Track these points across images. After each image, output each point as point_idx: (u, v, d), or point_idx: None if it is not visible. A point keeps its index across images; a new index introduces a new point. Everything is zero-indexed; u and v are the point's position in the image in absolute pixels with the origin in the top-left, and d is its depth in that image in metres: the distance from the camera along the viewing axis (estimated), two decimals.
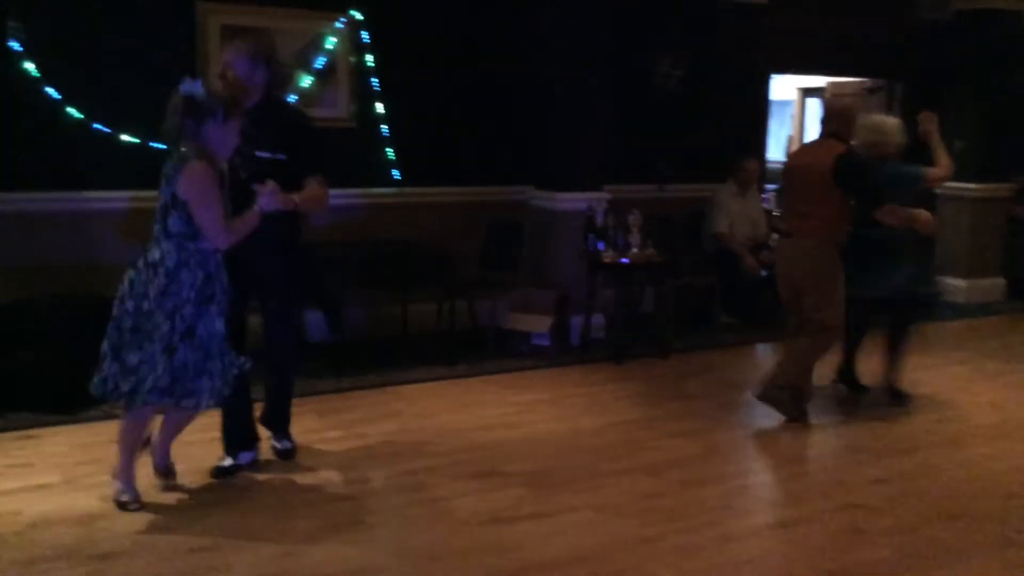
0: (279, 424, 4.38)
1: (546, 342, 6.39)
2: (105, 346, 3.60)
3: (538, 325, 6.38)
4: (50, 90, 5.53)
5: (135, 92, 5.60)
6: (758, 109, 8.25)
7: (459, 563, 3.34)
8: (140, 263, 3.57)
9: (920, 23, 8.76)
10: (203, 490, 3.96)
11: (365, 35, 6.39)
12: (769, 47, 7.99)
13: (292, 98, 6.04)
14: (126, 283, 3.58)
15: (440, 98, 6.72)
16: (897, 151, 5.25)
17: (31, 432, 4.59)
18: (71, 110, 5.59)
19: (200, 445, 4.24)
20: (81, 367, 3.81)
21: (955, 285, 8.37)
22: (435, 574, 3.28)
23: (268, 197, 3.67)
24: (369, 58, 6.42)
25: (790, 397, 5.00)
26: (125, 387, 3.58)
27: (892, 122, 5.35)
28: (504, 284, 6.46)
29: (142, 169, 5.71)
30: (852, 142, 5.03)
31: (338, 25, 6.31)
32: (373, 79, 6.44)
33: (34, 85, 5.48)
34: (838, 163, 4.80)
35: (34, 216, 5.57)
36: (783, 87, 11.04)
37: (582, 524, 3.68)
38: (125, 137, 5.71)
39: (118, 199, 5.77)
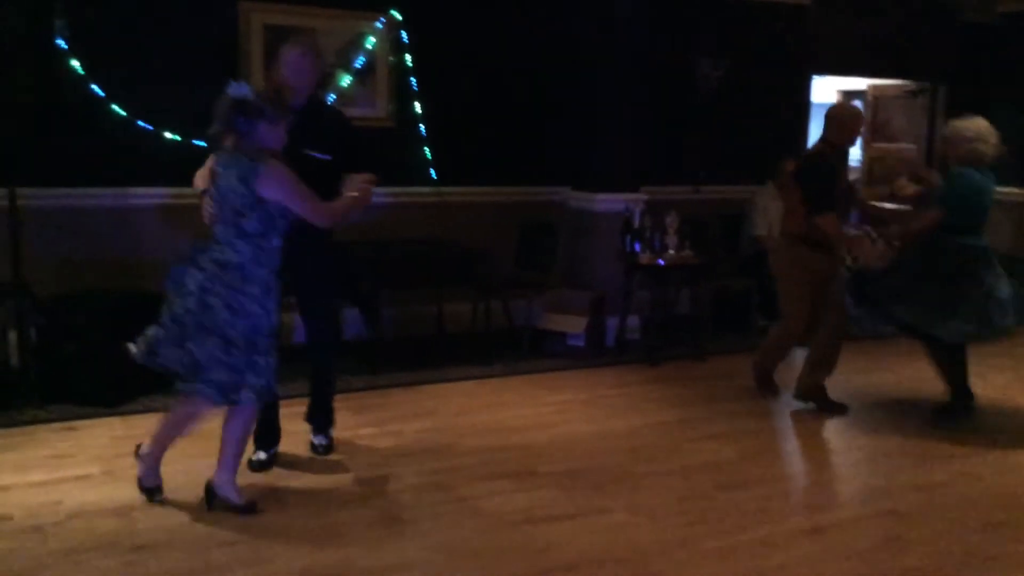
0: (322, 421, 4.42)
1: (581, 343, 6.38)
2: (158, 332, 3.58)
3: (573, 326, 6.37)
4: (95, 87, 5.62)
5: (177, 90, 5.67)
6: (799, 111, 8.16)
7: (491, 562, 3.35)
8: (205, 262, 3.54)
9: (964, 25, 8.62)
10: (243, 484, 3.99)
11: (404, 35, 6.42)
12: (810, 48, 7.91)
13: (331, 98, 6.10)
14: (189, 283, 3.52)
15: (478, 98, 6.73)
16: (992, 159, 4.90)
17: (73, 424, 4.68)
18: (115, 107, 5.68)
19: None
20: (123, 361, 3.86)
21: None
22: (467, 572, 3.28)
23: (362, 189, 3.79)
24: (408, 58, 6.45)
25: (820, 394, 5.20)
26: (186, 375, 3.58)
27: (987, 127, 4.90)
28: (539, 284, 6.46)
29: (184, 166, 5.84)
30: (847, 145, 5.18)
31: (377, 25, 6.36)
32: (411, 79, 6.48)
33: (80, 82, 5.58)
34: (800, 163, 5.13)
35: (80, 211, 5.67)
36: (824, 89, 10.92)
37: (615, 526, 3.67)
38: (167, 135, 5.79)
39: (160, 195, 5.86)
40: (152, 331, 3.62)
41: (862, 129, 5.44)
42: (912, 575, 3.33)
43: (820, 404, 5.18)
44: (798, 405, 5.23)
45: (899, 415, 5.17)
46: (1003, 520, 3.81)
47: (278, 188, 3.50)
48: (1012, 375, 6.06)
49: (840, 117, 5.08)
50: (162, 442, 3.78)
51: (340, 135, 4.14)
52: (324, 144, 4.01)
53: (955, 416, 5.06)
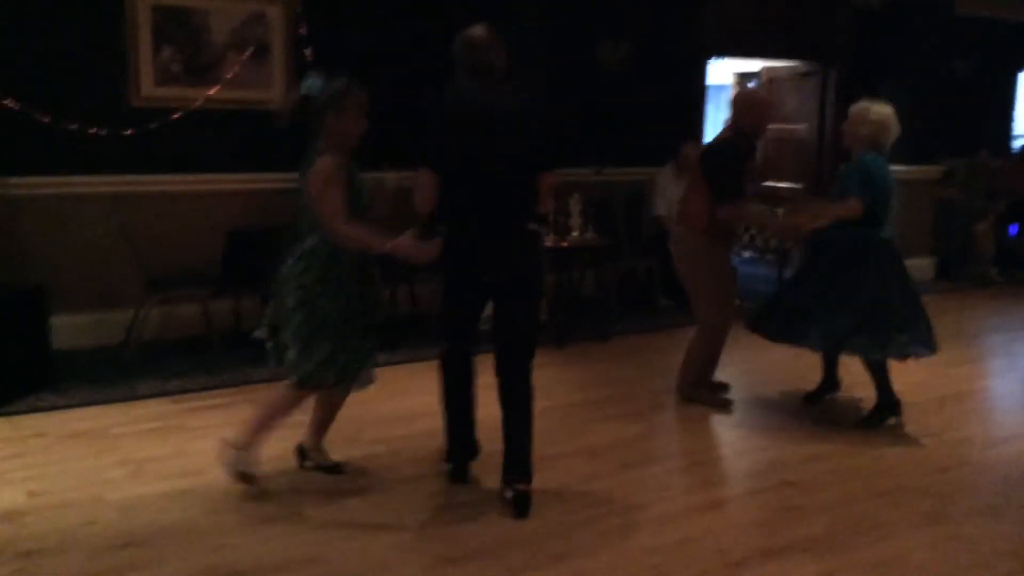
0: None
1: (487, 326, 6.36)
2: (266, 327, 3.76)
3: None
4: None
5: (61, 75, 5.44)
6: (696, 93, 8.30)
7: (396, 553, 3.33)
8: (299, 250, 3.64)
9: (853, 8, 8.90)
10: (138, 485, 3.87)
11: (302, 14, 6.27)
12: (707, 32, 8.05)
13: None
14: (285, 271, 3.66)
15: (378, 82, 6.60)
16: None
17: None
18: None
19: (133, 438, 4.15)
20: (5, 360, 3.70)
21: None
22: (376, 562, 3.25)
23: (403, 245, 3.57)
24: (306, 38, 6.30)
25: (708, 391, 5.09)
26: (291, 362, 3.66)
27: (891, 113, 4.68)
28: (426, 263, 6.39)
29: (66, 153, 5.63)
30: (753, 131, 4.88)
31: (274, 4, 6.19)
32: (309, 60, 6.33)
33: None
34: (705, 149, 4.89)
35: None
36: (720, 72, 11.13)
37: None
38: (41, 118, 5.55)
39: (48, 184, 5.63)
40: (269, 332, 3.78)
41: (771, 115, 5.15)
42: (811, 543, 3.44)
43: (705, 400, 5.05)
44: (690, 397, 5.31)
45: (790, 392, 5.31)
46: (891, 487, 3.97)
47: (313, 184, 3.54)
48: None
49: (746, 103, 4.96)
50: (266, 428, 3.79)
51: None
52: None
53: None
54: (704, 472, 4.28)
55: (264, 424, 3.75)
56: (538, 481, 3.90)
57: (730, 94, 11.69)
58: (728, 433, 4.76)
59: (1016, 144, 10.30)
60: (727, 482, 4.12)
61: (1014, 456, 4.38)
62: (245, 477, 3.75)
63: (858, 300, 4.52)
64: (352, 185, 3.61)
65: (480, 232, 3.62)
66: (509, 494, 3.63)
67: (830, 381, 5.08)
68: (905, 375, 4.93)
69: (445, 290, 3.79)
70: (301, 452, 4.04)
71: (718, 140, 4.95)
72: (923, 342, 4.56)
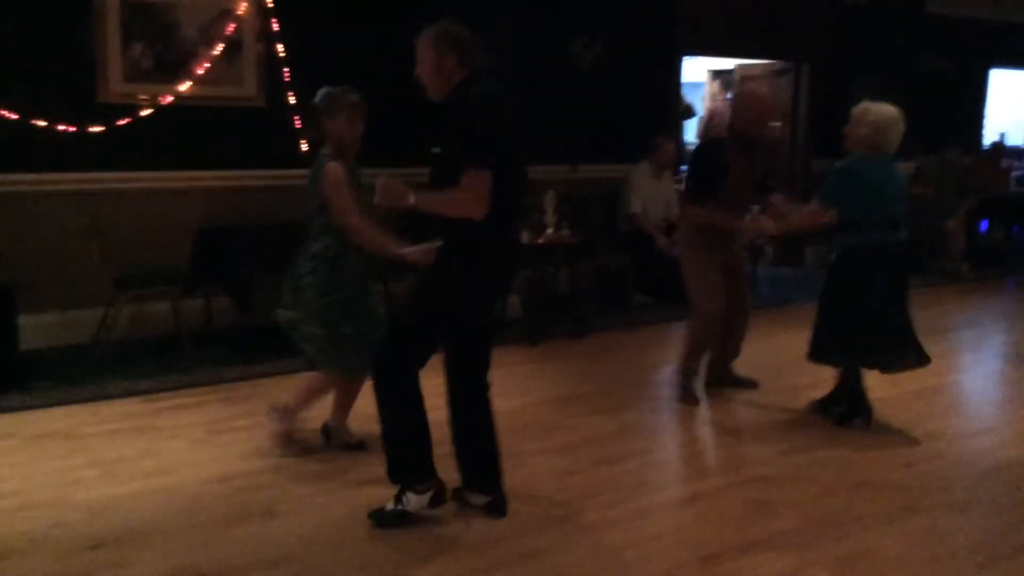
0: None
1: None
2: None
3: None
4: None
5: (28, 72, 5.38)
6: (670, 91, 8.33)
7: (370, 550, 3.30)
8: (308, 252, 3.91)
9: (826, 6, 8.96)
10: (107, 486, 3.82)
11: (272, 10, 6.22)
12: (681, 29, 8.07)
13: None
14: (299, 271, 3.93)
15: (350, 79, 6.57)
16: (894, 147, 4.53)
17: None
18: None
19: (103, 438, 4.09)
20: None
21: None
22: (347, 561, 3.23)
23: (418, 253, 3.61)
24: (278, 34, 6.25)
25: (685, 381, 5.09)
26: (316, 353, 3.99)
27: (894, 115, 4.48)
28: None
29: (39, 152, 5.55)
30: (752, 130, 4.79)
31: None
32: (282, 56, 6.28)
33: None
34: (694, 150, 5.00)
35: None
36: (694, 69, 11.18)
37: None
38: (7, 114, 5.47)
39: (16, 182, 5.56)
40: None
41: (769, 113, 4.94)
42: (783, 537, 3.45)
43: (680, 390, 5.07)
44: (672, 380, 5.31)
45: (762, 388, 5.29)
46: (863, 481, 4.00)
47: (324, 188, 3.80)
48: None
49: (742, 101, 4.85)
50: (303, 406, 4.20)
51: (449, 122, 3.37)
52: (440, 138, 3.40)
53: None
54: (677, 468, 4.29)
55: (303, 402, 4.14)
56: (513, 477, 3.89)
57: (706, 92, 11.78)
58: (701, 429, 4.77)
59: (986, 141, 10.42)
60: (700, 477, 4.13)
61: (984, 450, 4.43)
62: (285, 438, 4.13)
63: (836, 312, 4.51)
64: (358, 186, 3.88)
65: (516, 236, 3.61)
66: (486, 499, 3.59)
67: (843, 395, 4.74)
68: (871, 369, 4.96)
69: (462, 297, 3.38)
70: (326, 431, 4.24)
71: (707, 140, 4.94)
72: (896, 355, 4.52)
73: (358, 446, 4.17)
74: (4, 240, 5.54)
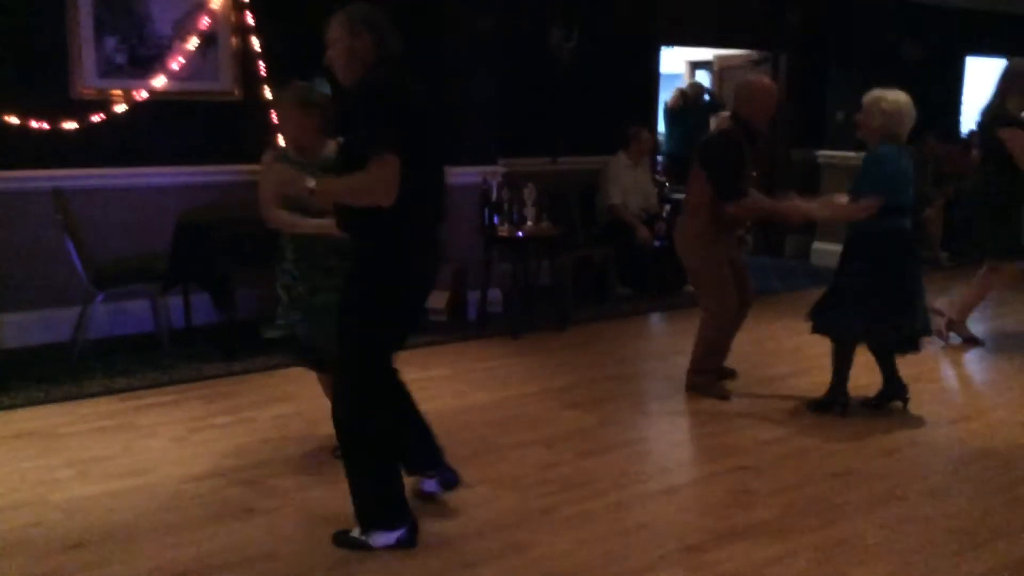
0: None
1: (443, 318, 6.35)
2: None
3: (434, 301, 6.29)
4: None
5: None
6: (648, 81, 8.32)
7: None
8: (291, 245, 3.86)
9: None
10: (85, 485, 3.78)
11: (247, 4, 6.16)
12: (659, 19, 8.07)
13: None
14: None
15: (324, 70, 6.53)
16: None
17: None
18: None
19: (80, 437, 4.04)
20: None
21: (837, 251, 8.61)
22: (323, 560, 3.21)
23: None
24: (253, 27, 6.20)
25: (707, 380, 5.00)
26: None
27: (907, 101, 4.51)
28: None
29: (12, 148, 5.48)
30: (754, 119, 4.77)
31: None
32: (258, 50, 6.23)
33: None
34: (704, 143, 4.79)
35: None
36: (673, 60, 11.19)
37: (479, 499, 3.66)
38: None
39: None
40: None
41: (773, 104, 4.85)
42: (765, 526, 3.46)
43: (707, 390, 4.97)
44: (655, 371, 5.33)
45: (744, 377, 5.32)
46: (844, 469, 4.01)
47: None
48: None
49: (746, 91, 4.79)
50: None
51: (357, 106, 3.14)
52: (346, 125, 3.24)
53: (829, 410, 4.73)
54: (660, 458, 4.30)
55: None
56: (496, 470, 3.90)
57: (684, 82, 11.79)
58: (683, 419, 4.78)
59: (963, 130, 10.47)
60: (683, 468, 4.14)
61: (964, 436, 4.46)
62: None
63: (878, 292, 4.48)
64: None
65: (437, 239, 3.36)
66: (437, 478, 3.57)
67: (893, 385, 4.79)
68: (859, 358, 4.97)
69: (395, 299, 3.19)
70: None
71: (716, 132, 4.78)
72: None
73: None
74: None
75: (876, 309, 4.49)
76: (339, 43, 3.17)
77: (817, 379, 5.00)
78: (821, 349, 5.53)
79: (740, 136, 4.76)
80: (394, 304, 3.19)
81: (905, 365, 4.81)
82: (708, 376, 5.00)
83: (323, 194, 3.16)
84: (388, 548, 3.21)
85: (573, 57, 7.60)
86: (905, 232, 4.52)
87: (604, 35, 7.72)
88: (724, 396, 4.94)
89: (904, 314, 4.52)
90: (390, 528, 3.23)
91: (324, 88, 3.78)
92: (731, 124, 4.86)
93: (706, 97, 9.76)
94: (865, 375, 4.87)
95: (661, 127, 9.41)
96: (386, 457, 3.26)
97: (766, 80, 5.01)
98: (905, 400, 4.77)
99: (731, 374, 5.25)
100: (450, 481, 3.60)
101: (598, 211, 7.46)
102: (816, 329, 4.70)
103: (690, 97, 9.66)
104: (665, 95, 9.46)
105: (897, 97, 4.47)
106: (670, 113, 9.63)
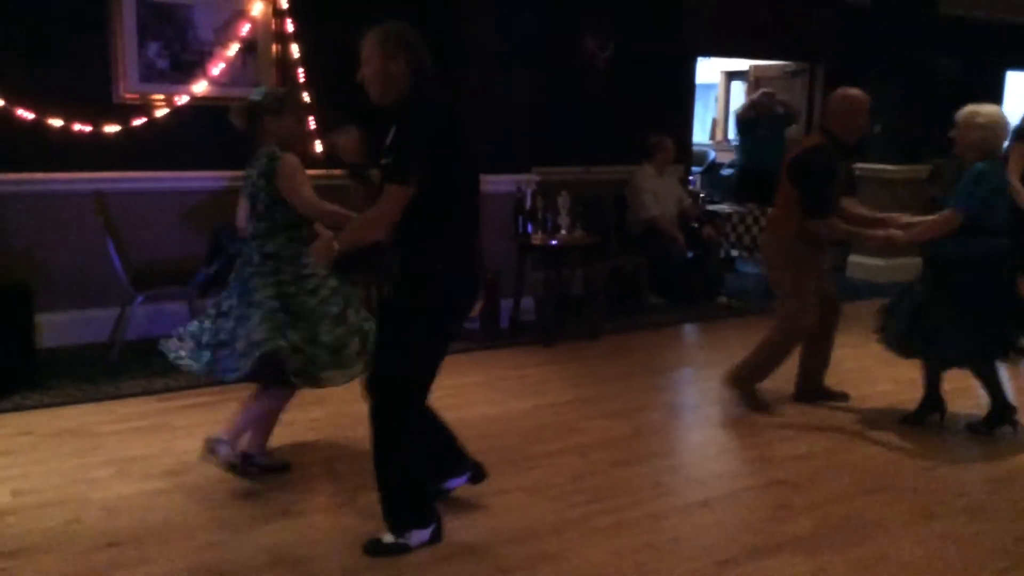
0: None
1: (476, 325, 6.36)
2: (207, 337, 3.81)
3: None
4: None
5: (44, 71, 5.40)
6: (683, 91, 8.31)
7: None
8: (255, 258, 3.74)
9: (841, 6, 8.92)
10: (122, 484, 3.83)
11: (287, 11, 6.23)
12: (694, 30, 8.06)
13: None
14: (235, 278, 3.81)
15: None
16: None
17: None
18: None
19: (118, 436, 4.09)
20: None
21: (873, 265, 8.57)
22: (359, 563, 3.22)
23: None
24: (293, 34, 6.26)
25: (749, 388, 4.94)
26: (247, 365, 3.64)
27: (999, 114, 4.46)
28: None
29: (55, 151, 5.57)
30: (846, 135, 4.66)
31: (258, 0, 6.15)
32: (298, 57, 6.29)
33: None
34: (794, 158, 4.69)
35: None
36: (708, 70, 11.15)
37: (512, 506, 3.67)
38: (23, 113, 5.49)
39: (32, 181, 5.59)
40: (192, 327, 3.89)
41: (862, 117, 4.72)
42: (800, 541, 3.43)
43: (746, 400, 4.94)
44: (689, 382, 5.32)
45: (779, 390, 5.28)
46: (881, 485, 3.97)
47: (282, 180, 3.66)
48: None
49: (839, 105, 4.66)
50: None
51: (400, 130, 3.14)
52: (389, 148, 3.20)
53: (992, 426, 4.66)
54: (693, 470, 4.27)
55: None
56: (528, 479, 3.90)
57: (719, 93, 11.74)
58: (718, 431, 4.75)
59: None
60: (717, 480, 4.11)
61: (1003, 453, 4.40)
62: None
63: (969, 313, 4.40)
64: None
65: (476, 254, 3.40)
66: (467, 476, 3.62)
67: (933, 401, 4.77)
68: (899, 371, 4.93)
69: (434, 329, 3.28)
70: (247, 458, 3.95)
71: (808, 147, 4.68)
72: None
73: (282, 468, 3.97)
74: (21, 239, 5.57)
75: (994, 325, 4.43)
76: (373, 63, 3.19)
77: (857, 391, 4.97)
78: (861, 363, 5.50)
79: (831, 152, 4.61)
80: (435, 336, 3.30)
81: (948, 380, 4.76)
82: (749, 385, 4.94)
83: (345, 246, 3.23)
84: (424, 545, 3.27)
85: (608, 67, 7.61)
86: (1005, 249, 4.43)
87: (639, 45, 7.72)
88: (764, 408, 4.89)
89: (1019, 325, 4.49)
90: (424, 526, 3.29)
91: (262, 91, 3.89)
92: (822, 139, 4.72)
93: (779, 109, 9.47)
94: (908, 391, 4.82)
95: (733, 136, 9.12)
96: (418, 458, 3.32)
97: (858, 94, 4.79)
98: (943, 413, 4.71)
99: (843, 397, 5.07)
100: (477, 475, 3.64)
101: (628, 222, 7.44)
102: (951, 365, 4.62)
103: (760, 108, 9.39)
104: (700, 105, 9.40)
105: (992, 111, 4.41)
106: (740, 124, 9.39)
